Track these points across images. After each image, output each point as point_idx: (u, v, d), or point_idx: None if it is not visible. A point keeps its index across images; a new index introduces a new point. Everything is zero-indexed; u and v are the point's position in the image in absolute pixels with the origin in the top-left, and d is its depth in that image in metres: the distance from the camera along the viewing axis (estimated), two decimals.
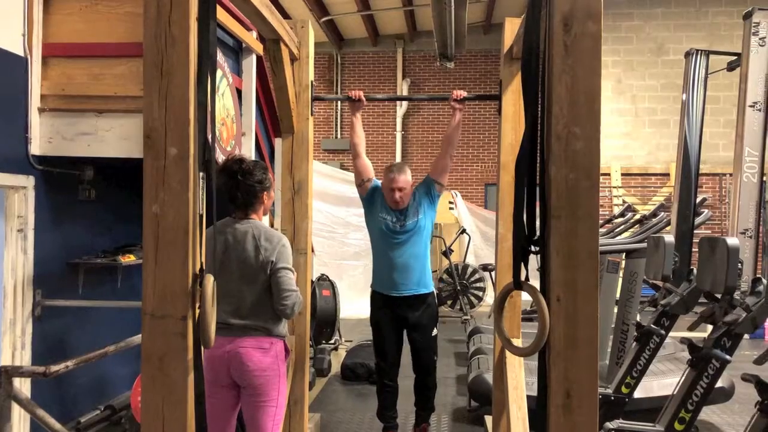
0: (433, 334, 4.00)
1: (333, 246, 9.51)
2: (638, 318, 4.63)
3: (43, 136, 3.61)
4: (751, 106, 4.32)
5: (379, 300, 4.02)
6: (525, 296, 2.01)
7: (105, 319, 4.19)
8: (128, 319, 4.20)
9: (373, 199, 4.01)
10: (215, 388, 2.73)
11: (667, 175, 11.35)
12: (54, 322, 3.75)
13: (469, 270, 9.61)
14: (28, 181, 3.54)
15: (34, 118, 3.59)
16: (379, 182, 4.04)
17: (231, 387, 2.78)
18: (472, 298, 9.57)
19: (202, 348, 1.92)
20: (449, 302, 9.45)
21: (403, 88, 13.39)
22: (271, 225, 5.12)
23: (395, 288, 3.92)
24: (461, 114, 3.85)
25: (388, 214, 3.93)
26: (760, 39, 4.31)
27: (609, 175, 11.49)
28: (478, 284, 9.58)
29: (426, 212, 3.96)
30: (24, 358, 3.52)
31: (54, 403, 3.70)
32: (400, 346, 4.05)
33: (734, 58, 5.08)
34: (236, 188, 2.76)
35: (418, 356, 4.02)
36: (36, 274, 3.60)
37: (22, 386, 3.38)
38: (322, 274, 6.99)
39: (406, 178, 3.89)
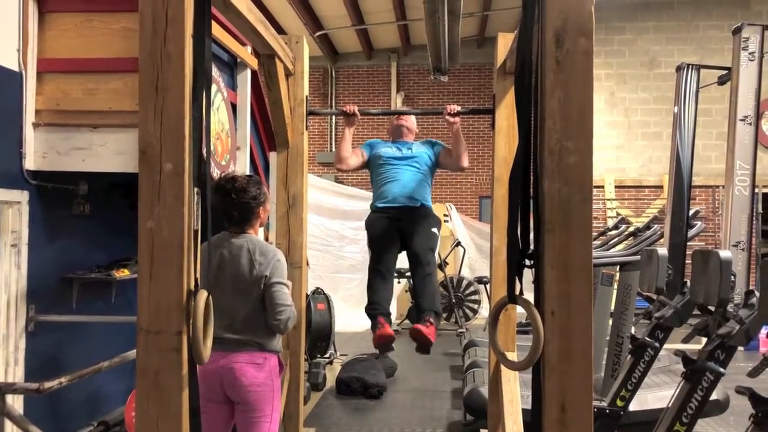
0: (432, 230, 3.87)
1: (328, 259, 9.50)
2: (633, 331, 4.63)
3: (37, 151, 3.61)
4: (741, 120, 4.35)
5: (377, 214, 3.95)
6: (520, 308, 2.02)
7: (99, 335, 4.17)
8: (122, 335, 4.18)
9: (374, 150, 4.08)
10: (209, 403, 2.71)
11: (661, 187, 11.41)
12: (48, 337, 3.73)
13: (464, 283, 9.61)
14: (23, 196, 3.53)
15: (29, 133, 3.58)
16: (374, 140, 4.19)
17: (225, 402, 2.77)
18: (467, 310, 9.57)
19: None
20: (444, 315, 9.44)
21: (397, 102, 13.45)
22: (266, 239, 5.12)
23: (395, 200, 3.89)
24: (458, 125, 3.89)
25: (389, 147, 4.04)
26: (749, 54, 4.35)
27: (602, 187, 11.54)
28: (473, 297, 9.59)
29: (425, 153, 4.00)
30: (17, 374, 3.49)
31: (47, 419, 3.67)
32: (396, 243, 3.87)
33: (725, 72, 5.11)
34: (232, 206, 2.76)
35: (415, 248, 3.79)
36: (29, 289, 3.58)
37: (15, 403, 3.35)
38: (317, 288, 6.98)
39: (412, 119, 4.14)
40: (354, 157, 4.05)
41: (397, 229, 3.88)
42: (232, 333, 2.72)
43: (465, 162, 3.96)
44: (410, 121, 4.14)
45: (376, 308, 3.78)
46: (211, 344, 1.92)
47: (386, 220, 3.89)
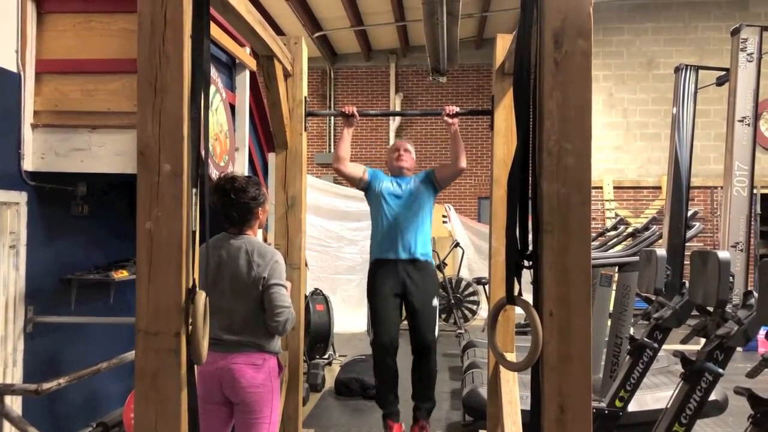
0: (433, 305, 3.87)
1: (326, 260, 9.50)
2: (631, 331, 4.63)
3: (36, 152, 3.60)
4: (740, 121, 4.36)
5: (377, 267, 3.94)
6: (519, 309, 2.02)
7: (97, 336, 4.16)
8: (121, 336, 4.18)
9: (374, 181, 4.06)
10: (208, 404, 2.71)
11: (659, 188, 11.42)
12: (46, 338, 3.72)
13: (463, 283, 9.61)
14: (21, 197, 3.53)
15: (27, 134, 3.58)
16: (377, 169, 4.15)
17: (224, 404, 2.76)
18: (466, 311, 9.57)
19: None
20: (443, 316, 9.44)
21: (395, 103, 13.45)
22: (265, 240, 5.12)
23: (394, 251, 3.86)
24: (456, 126, 3.88)
25: (389, 182, 4.02)
26: (747, 55, 4.37)
27: (601, 188, 11.55)
28: (472, 298, 9.58)
29: (425, 190, 3.99)
30: (15, 376, 3.49)
31: (46, 420, 3.66)
32: (398, 317, 3.88)
33: (723, 73, 5.13)
34: (231, 207, 2.76)
35: (417, 333, 3.83)
36: (28, 290, 3.57)
37: (14, 404, 3.35)
38: (316, 289, 6.97)
39: (410, 147, 4.14)
40: (354, 165, 4.05)
41: (398, 297, 3.88)
42: (231, 334, 2.72)
43: (463, 163, 3.95)
44: (410, 161, 4.10)
45: (386, 406, 3.90)
46: (207, 345, 1.91)
47: (387, 280, 3.87)
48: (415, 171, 4.17)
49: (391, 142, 13.38)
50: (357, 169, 4.05)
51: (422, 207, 3.96)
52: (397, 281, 3.86)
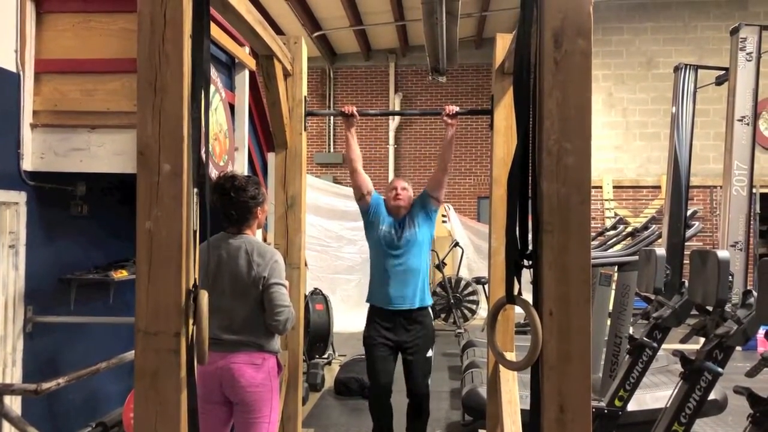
0: (427, 356, 3.95)
1: (326, 260, 9.50)
2: (631, 331, 4.64)
3: (35, 152, 3.60)
4: (739, 120, 4.37)
5: (374, 315, 3.99)
6: (519, 309, 2.02)
7: (97, 336, 4.16)
8: (120, 336, 4.17)
9: (373, 212, 4.02)
10: (207, 404, 2.71)
11: (659, 187, 11.42)
12: (45, 338, 3.72)
13: (463, 283, 9.61)
14: (20, 197, 3.52)
15: (27, 134, 3.58)
16: (380, 196, 4.10)
17: (223, 403, 2.77)
18: (466, 311, 9.57)
19: (195, 364, 1.91)
20: (443, 315, 9.44)
21: (395, 102, 13.45)
22: (264, 240, 5.12)
23: (391, 302, 3.89)
24: (454, 129, 3.87)
25: (387, 226, 3.96)
26: (747, 54, 4.37)
27: (600, 187, 11.55)
28: (471, 297, 9.58)
29: (423, 226, 3.96)
30: (15, 375, 3.49)
31: (45, 420, 3.66)
32: (392, 365, 3.99)
33: (722, 72, 5.13)
34: (230, 205, 2.76)
35: (412, 381, 3.95)
36: (27, 290, 3.57)
37: (13, 404, 3.35)
38: (315, 288, 6.97)
39: (408, 184, 4.08)
40: (364, 178, 4.01)
41: (394, 346, 3.94)
42: (231, 334, 2.72)
43: (448, 166, 3.98)
44: (407, 201, 4.02)
45: None
46: (208, 345, 1.91)
47: (383, 333, 3.92)
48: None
49: (391, 141, 13.40)
50: (364, 185, 4.00)
51: (420, 252, 3.95)
52: (394, 333, 3.92)
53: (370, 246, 4.07)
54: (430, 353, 3.98)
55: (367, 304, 4.08)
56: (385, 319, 3.93)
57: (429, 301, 4.03)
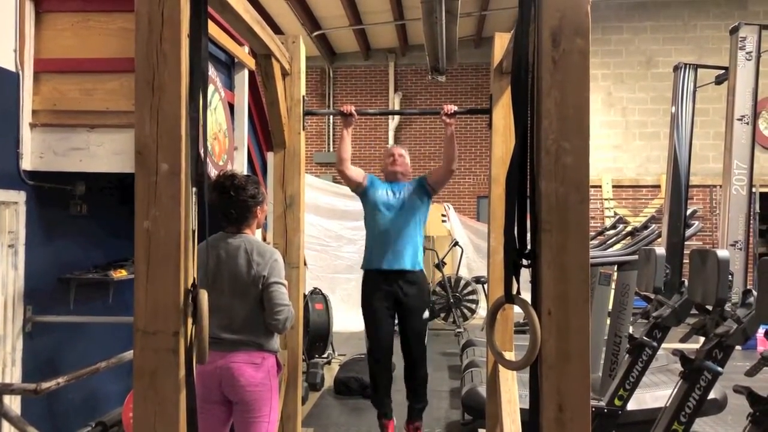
0: (423, 317, 4.01)
1: (325, 259, 9.50)
2: (630, 330, 4.64)
3: (34, 152, 3.60)
4: (738, 120, 4.36)
5: (370, 277, 4.05)
6: (518, 308, 2.02)
7: (96, 335, 4.16)
8: (120, 335, 4.17)
9: (371, 188, 4.11)
10: (207, 404, 2.71)
11: (658, 187, 11.41)
12: (45, 338, 3.72)
13: (462, 282, 9.61)
14: (20, 197, 3.52)
15: (26, 134, 3.58)
16: (375, 176, 4.20)
17: (222, 403, 2.76)
18: (465, 310, 9.57)
19: (194, 363, 1.91)
20: (442, 315, 9.44)
21: (394, 102, 13.45)
22: (264, 239, 5.12)
23: (386, 262, 3.95)
24: (453, 128, 3.89)
25: (383, 190, 4.07)
26: (746, 53, 4.37)
27: (600, 187, 11.55)
28: (471, 297, 9.59)
29: (418, 199, 4.04)
30: (14, 375, 3.49)
31: (45, 420, 3.66)
32: (391, 327, 4.04)
33: (722, 71, 5.13)
34: (229, 204, 2.76)
35: (408, 344, 4.01)
36: (27, 290, 3.57)
37: (13, 403, 3.35)
38: (315, 288, 6.97)
39: (405, 152, 4.20)
40: (356, 170, 4.11)
41: (391, 307, 4.01)
42: (230, 333, 2.72)
43: (454, 165, 4.02)
44: (404, 166, 4.17)
45: (382, 407, 4.09)
46: (207, 344, 1.91)
47: (380, 293, 3.99)
48: (411, 177, 4.25)
49: (391, 141, 13.39)
50: (358, 174, 4.11)
51: (414, 217, 4.03)
52: (389, 294, 3.99)
53: (366, 212, 4.13)
54: (426, 314, 4.05)
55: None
56: (381, 280, 3.98)
57: (421, 266, 4.08)
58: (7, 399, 2.90)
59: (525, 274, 1.94)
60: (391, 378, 4.09)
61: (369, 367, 4.12)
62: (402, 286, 3.97)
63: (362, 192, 4.12)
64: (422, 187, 4.09)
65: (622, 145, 11.70)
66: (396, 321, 4.08)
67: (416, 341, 4.02)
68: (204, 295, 1.86)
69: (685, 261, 4.49)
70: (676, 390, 3.12)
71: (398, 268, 3.95)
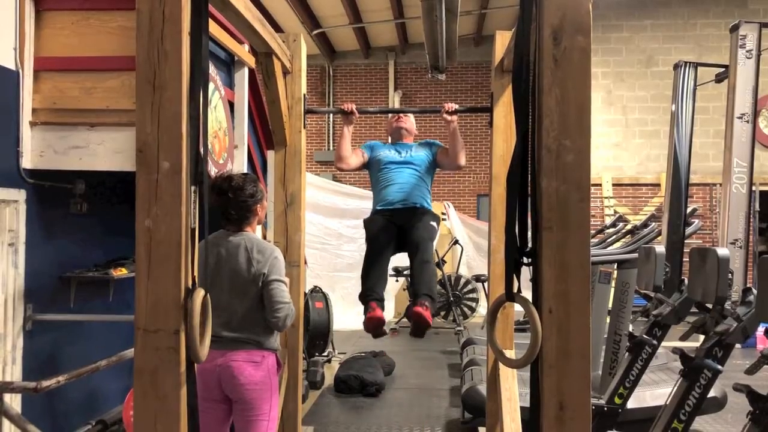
0: (431, 223, 3.86)
1: (326, 258, 9.50)
2: (630, 328, 4.64)
3: (34, 150, 3.60)
4: (739, 118, 4.36)
5: (375, 214, 3.96)
6: (518, 307, 2.02)
7: (97, 333, 4.16)
8: (120, 333, 4.18)
9: (374, 153, 4.08)
10: (207, 402, 2.71)
11: (658, 185, 11.42)
12: (45, 336, 3.72)
13: (462, 281, 9.62)
14: (20, 195, 3.52)
15: (26, 132, 3.57)
16: (373, 141, 4.19)
17: (223, 401, 2.77)
18: (465, 309, 9.58)
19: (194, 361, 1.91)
20: (442, 313, 9.45)
21: (394, 100, 13.45)
22: (264, 237, 5.12)
23: (394, 203, 3.88)
24: (455, 124, 3.88)
25: (388, 149, 4.04)
26: (747, 51, 4.36)
27: (600, 185, 11.55)
28: (471, 295, 9.59)
29: (425, 156, 4.01)
30: (15, 373, 3.49)
31: (45, 418, 3.66)
32: (392, 240, 3.86)
33: (722, 70, 5.12)
34: (229, 206, 2.76)
35: (414, 240, 3.78)
36: (27, 289, 3.57)
37: (13, 402, 3.35)
38: (315, 286, 6.98)
39: (411, 120, 4.16)
40: (354, 157, 4.06)
41: (395, 228, 3.88)
42: (230, 331, 2.72)
43: (462, 161, 3.95)
44: (409, 123, 4.14)
45: (369, 294, 3.76)
46: (208, 343, 1.91)
47: (385, 220, 3.90)
48: (417, 138, 4.19)
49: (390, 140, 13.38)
50: (357, 158, 4.06)
51: (422, 172, 3.97)
52: (395, 223, 3.86)
53: (371, 174, 4.08)
54: (433, 223, 3.89)
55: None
56: (386, 215, 3.88)
57: (430, 205, 4.00)
58: (7, 397, 2.91)
59: (525, 272, 1.94)
60: (386, 281, 3.80)
61: (362, 268, 3.83)
62: (409, 215, 3.84)
63: (368, 162, 4.08)
64: (431, 151, 4.03)
65: (622, 143, 11.71)
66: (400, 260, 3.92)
67: (422, 233, 3.76)
68: (199, 294, 1.86)
69: (685, 259, 4.49)
70: (676, 388, 3.12)
71: (406, 207, 3.86)
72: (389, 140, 4.24)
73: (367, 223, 3.98)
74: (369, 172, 4.13)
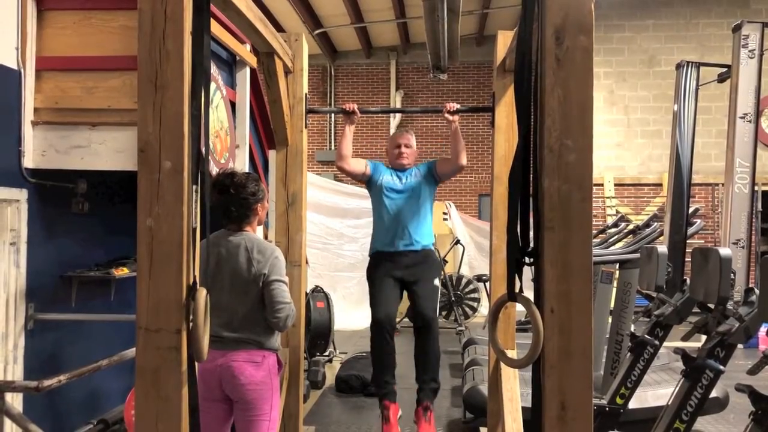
0: (434, 284, 3.85)
1: (327, 257, 9.50)
2: (632, 328, 4.63)
3: (36, 149, 3.60)
4: (741, 118, 4.36)
5: (377, 257, 3.95)
6: (520, 306, 2.02)
7: (98, 333, 4.16)
8: (121, 333, 4.18)
9: (375, 174, 4.07)
10: (207, 402, 2.71)
11: (660, 185, 11.41)
12: (46, 335, 3.72)
13: (464, 281, 9.61)
14: (21, 195, 3.52)
15: (28, 131, 3.58)
16: (377, 162, 4.16)
17: (223, 401, 2.76)
18: (467, 308, 9.58)
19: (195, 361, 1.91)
20: (444, 313, 9.45)
21: (396, 100, 13.44)
22: (265, 237, 5.12)
23: (393, 245, 3.87)
24: (457, 123, 3.88)
25: (389, 175, 4.03)
26: (749, 51, 4.36)
27: (602, 185, 11.54)
28: (472, 295, 9.59)
29: (425, 183, 4.00)
30: (16, 373, 3.49)
31: (46, 417, 3.67)
32: (397, 297, 3.86)
33: (724, 69, 5.12)
34: (230, 202, 2.76)
35: (418, 310, 3.77)
36: (28, 288, 3.57)
37: (14, 401, 3.35)
38: (316, 286, 6.97)
39: (412, 138, 4.12)
40: (356, 161, 4.05)
41: (398, 280, 3.87)
42: (231, 331, 2.72)
43: (463, 160, 3.94)
44: (411, 157, 4.08)
45: (383, 387, 3.81)
46: (208, 342, 1.91)
47: (387, 266, 3.87)
48: (417, 162, 4.18)
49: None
50: (359, 165, 4.06)
51: (423, 200, 3.97)
52: (398, 266, 3.86)
53: (372, 199, 4.07)
54: (436, 282, 3.89)
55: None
56: (389, 259, 3.88)
57: (432, 241, 4.00)
58: (9, 396, 2.91)
59: (527, 272, 1.93)
60: (394, 353, 3.81)
61: (371, 340, 3.83)
62: (412, 261, 3.85)
63: (367, 179, 4.07)
64: (430, 173, 4.03)
65: (624, 143, 11.70)
66: (405, 299, 3.91)
67: (425, 306, 3.75)
68: (202, 294, 1.86)
69: (687, 259, 4.49)
70: (677, 388, 3.11)
71: (405, 249, 3.85)
72: (389, 163, 4.20)
73: (369, 273, 3.97)
74: (369, 191, 4.12)
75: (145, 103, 1.85)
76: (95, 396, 4.19)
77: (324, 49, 12.93)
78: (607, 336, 4.85)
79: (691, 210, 4.92)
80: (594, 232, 5.80)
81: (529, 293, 1.91)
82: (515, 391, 3.32)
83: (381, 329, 3.75)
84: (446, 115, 3.81)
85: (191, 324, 1.86)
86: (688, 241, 4.76)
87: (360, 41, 12.89)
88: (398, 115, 13.49)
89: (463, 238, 10.34)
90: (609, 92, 11.64)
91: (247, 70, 4.65)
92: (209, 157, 3.47)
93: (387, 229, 3.91)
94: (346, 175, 4.12)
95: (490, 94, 3.61)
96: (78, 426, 3.92)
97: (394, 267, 3.86)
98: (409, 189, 3.95)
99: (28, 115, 3.58)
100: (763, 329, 7.38)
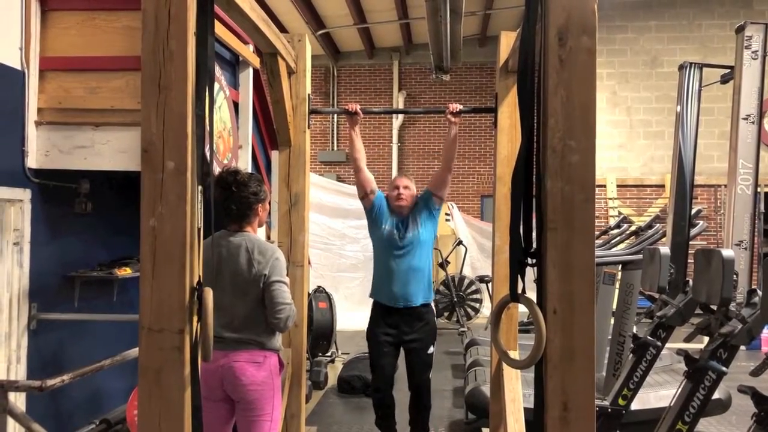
0: (429, 352, 3.98)
1: (329, 258, 9.51)
2: (635, 330, 4.63)
3: (39, 150, 3.61)
4: (744, 119, 4.35)
5: (377, 310, 4.03)
6: (522, 307, 2.02)
7: (101, 333, 4.17)
8: (124, 333, 4.18)
9: (377, 211, 4.03)
10: (209, 402, 2.71)
11: (663, 186, 11.40)
12: (50, 335, 3.73)
13: (466, 281, 9.61)
14: (25, 195, 3.53)
15: (31, 132, 3.58)
16: (383, 194, 4.10)
17: (225, 401, 2.77)
18: (469, 309, 9.57)
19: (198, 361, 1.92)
20: (446, 314, 9.45)
21: (399, 101, 13.45)
22: (268, 237, 5.13)
23: (393, 300, 3.92)
24: (457, 127, 3.87)
25: (390, 225, 3.98)
26: (752, 52, 4.35)
27: (604, 186, 11.53)
28: (474, 296, 9.58)
29: (426, 225, 3.98)
30: (19, 372, 3.50)
31: (49, 417, 3.67)
32: (395, 363, 4.04)
33: (727, 71, 5.11)
34: (231, 200, 2.76)
35: (413, 376, 3.99)
36: (32, 288, 3.58)
37: (17, 400, 3.36)
38: (319, 287, 6.98)
39: (410, 182, 4.07)
40: (368, 176, 4.03)
41: (396, 336, 3.97)
42: (232, 332, 2.72)
43: (451, 166, 3.98)
44: (408, 195, 4.02)
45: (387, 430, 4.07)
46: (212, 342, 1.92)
47: (386, 329, 3.96)
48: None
49: (395, 140, 13.39)
50: (369, 183, 4.02)
51: (424, 251, 3.98)
52: (396, 329, 3.96)
53: (373, 244, 4.10)
54: (431, 350, 4.01)
55: (370, 300, 4.10)
56: (389, 315, 3.96)
57: (431, 297, 4.05)
58: (12, 396, 2.91)
59: (530, 273, 1.93)
60: (394, 406, 4.06)
61: (372, 400, 4.09)
62: (409, 322, 3.94)
63: (367, 208, 4.06)
64: (429, 204, 4.01)
65: (626, 144, 11.68)
66: (401, 355, 4.07)
67: (420, 373, 3.98)
68: (209, 294, 1.86)
69: (689, 261, 4.48)
70: (680, 390, 3.11)
71: (407, 306, 3.92)
72: (390, 195, 4.13)
73: (370, 330, 4.06)
74: (368, 221, 4.10)
75: (149, 103, 1.85)
76: (98, 396, 4.20)
77: (327, 50, 12.94)
78: (610, 337, 4.85)
79: (693, 211, 4.92)
80: (596, 233, 5.81)
81: (531, 294, 1.91)
82: (518, 392, 3.32)
83: (381, 395, 4.01)
84: (448, 116, 3.81)
85: (200, 324, 1.86)
86: (690, 243, 4.75)
87: (363, 42, 12.89)
88: (400, 116, 13.50)
89: (466, 239, 10.34)
90: (612, 93, 11.63)
91: (250, 70, 4.66)
92: (212, 158, 3.47)
93: (386, 284, 3.95)
94: (356, 181, 4.08)
95: (493, 95, 3.60)
96: (81, 425, 3.92)
97: (391, 328, 3.96)
98: (409, 244, 3.93)
99: (31, 115, 3.59)
100: (765, 331, 7.37)
